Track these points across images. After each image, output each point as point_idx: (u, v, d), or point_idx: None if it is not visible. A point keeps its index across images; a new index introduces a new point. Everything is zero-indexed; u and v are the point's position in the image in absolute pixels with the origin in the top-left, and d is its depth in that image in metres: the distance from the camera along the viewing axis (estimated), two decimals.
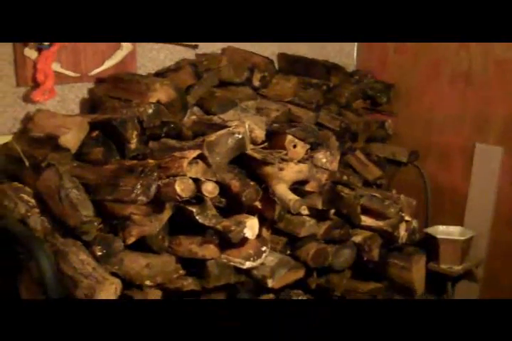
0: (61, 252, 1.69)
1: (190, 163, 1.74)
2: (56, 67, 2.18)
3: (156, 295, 1.78)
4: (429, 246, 2.57)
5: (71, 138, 1.92)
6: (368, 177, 2.63)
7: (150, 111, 1.99)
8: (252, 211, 1.92)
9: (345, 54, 3.08)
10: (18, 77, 2.13)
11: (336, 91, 2.70)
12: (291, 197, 1.87)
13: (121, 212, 1.74)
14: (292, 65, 2.80)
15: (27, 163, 1.93)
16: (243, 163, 1.96)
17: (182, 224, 1.86)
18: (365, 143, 2.77)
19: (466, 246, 2.58)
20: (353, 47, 3.11)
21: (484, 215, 2.67)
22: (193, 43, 2.52)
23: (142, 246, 1.82)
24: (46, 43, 2.08)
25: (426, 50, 2.80)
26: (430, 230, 2.65)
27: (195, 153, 1.74)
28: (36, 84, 2.14)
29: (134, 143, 1.94)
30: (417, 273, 2.24)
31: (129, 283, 1.75)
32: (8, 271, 1.84)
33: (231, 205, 1.92)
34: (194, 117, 2.11)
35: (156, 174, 1.70)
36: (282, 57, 2.83)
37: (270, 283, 1.93)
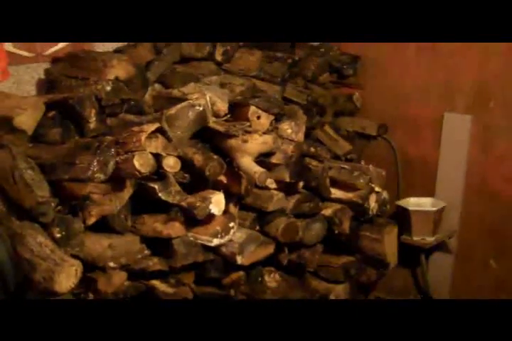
0: (18, 235, 1.60)
1: (149, 138, 1.67)
2: (9, 47, 2.08)
3: (120, 277, 1.72)
4: (401, 218, 2.54)
5: (26, 120, 1.82)
6: (338, 151, 2.58)
7: (108, 88, 1.91)
8: (217, 186, 1.86)
9: None
10: None
11: (302, 65, 2.63)
12: (256, 169, 1.82)
13: (80, 191, 1.66)
14: None
15: None
16: (206, 136, 1.90)
17: (145, 202, 1.80)
18: (334, 117, 2.72)
19: (438, 217, 2.56)
20: None
21: (455, 186, 2.64)
22: None
23: (104, 226, 1.75)
24: None
25: None
26: (401, 202, 2.62)
27: (154, 126, 1.68)
28: None
29: (93, 123, 1.86)
30: (388, 244, 2.20)
31: (91, 265, 1.69)
32: None
33: (195, 181, 1.86)
34: (153, 92, 2.03)
35: (113, 150, 1.63)
36: None
37: (240, 259, 1.89)
